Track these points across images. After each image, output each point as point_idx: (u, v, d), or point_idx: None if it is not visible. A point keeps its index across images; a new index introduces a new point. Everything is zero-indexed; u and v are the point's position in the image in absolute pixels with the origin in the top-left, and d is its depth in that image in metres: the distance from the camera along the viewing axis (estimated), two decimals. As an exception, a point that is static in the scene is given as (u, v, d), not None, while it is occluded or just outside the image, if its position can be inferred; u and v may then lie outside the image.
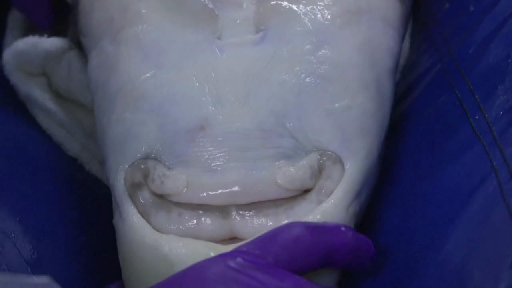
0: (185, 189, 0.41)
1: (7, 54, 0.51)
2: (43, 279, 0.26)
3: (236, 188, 0.41)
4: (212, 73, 0.43)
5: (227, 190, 0.41)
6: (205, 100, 0.42)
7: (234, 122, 0.42)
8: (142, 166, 0.42)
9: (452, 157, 0.42)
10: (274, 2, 0.46)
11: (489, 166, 0.39)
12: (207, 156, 0.41)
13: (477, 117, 0.43)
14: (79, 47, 0.53)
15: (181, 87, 0.43)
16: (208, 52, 0.44)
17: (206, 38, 0.45)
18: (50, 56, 0.52)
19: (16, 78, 0.52)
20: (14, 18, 0.57)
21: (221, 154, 0.41)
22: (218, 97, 0.42)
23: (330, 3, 0.46)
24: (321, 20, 0.45)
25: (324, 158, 0.41)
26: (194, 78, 0.43)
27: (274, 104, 0.42)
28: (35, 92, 0.52)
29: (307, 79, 0.43)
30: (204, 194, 0.41)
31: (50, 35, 0.54)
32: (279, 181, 0.41)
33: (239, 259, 0.35)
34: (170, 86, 0.43)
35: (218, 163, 0.41)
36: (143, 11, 0.46)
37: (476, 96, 0.44)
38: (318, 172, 0.41)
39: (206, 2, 0.46)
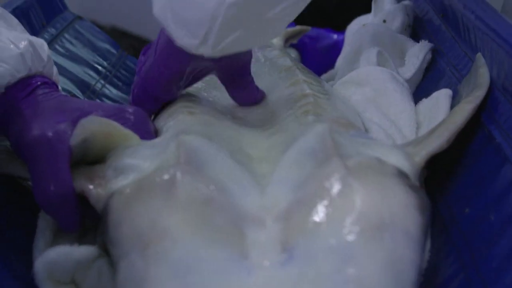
0: None
1: (39, 263, 0.51)
2: None
3: None
4: None
5: None
6: None
7: None
8: None
9: None
10: (298, 220, 0.47)
11: None
12: None
13: None
14: (108, 254, 0.53)
15: None
16: (237, 273, 0.44)
17: (235, 257, 0.45)
18: (81, 265, 0.52)
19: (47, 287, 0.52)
20: (45, 218, 0.58)
21: None
22: None
23: (355, 218, 0.46)
24: (347, 236, 0.45)
25: None
26: None
27: None
28: (65, 302, 0.52)
29: None
30: None
31: (78, 236, 0.55)
32: None
33: None
34: None
35: None
36: (172, 226, 0.46)
37: (503, 316, 0.44)
38: None
39: (236, 221, 0.47)
